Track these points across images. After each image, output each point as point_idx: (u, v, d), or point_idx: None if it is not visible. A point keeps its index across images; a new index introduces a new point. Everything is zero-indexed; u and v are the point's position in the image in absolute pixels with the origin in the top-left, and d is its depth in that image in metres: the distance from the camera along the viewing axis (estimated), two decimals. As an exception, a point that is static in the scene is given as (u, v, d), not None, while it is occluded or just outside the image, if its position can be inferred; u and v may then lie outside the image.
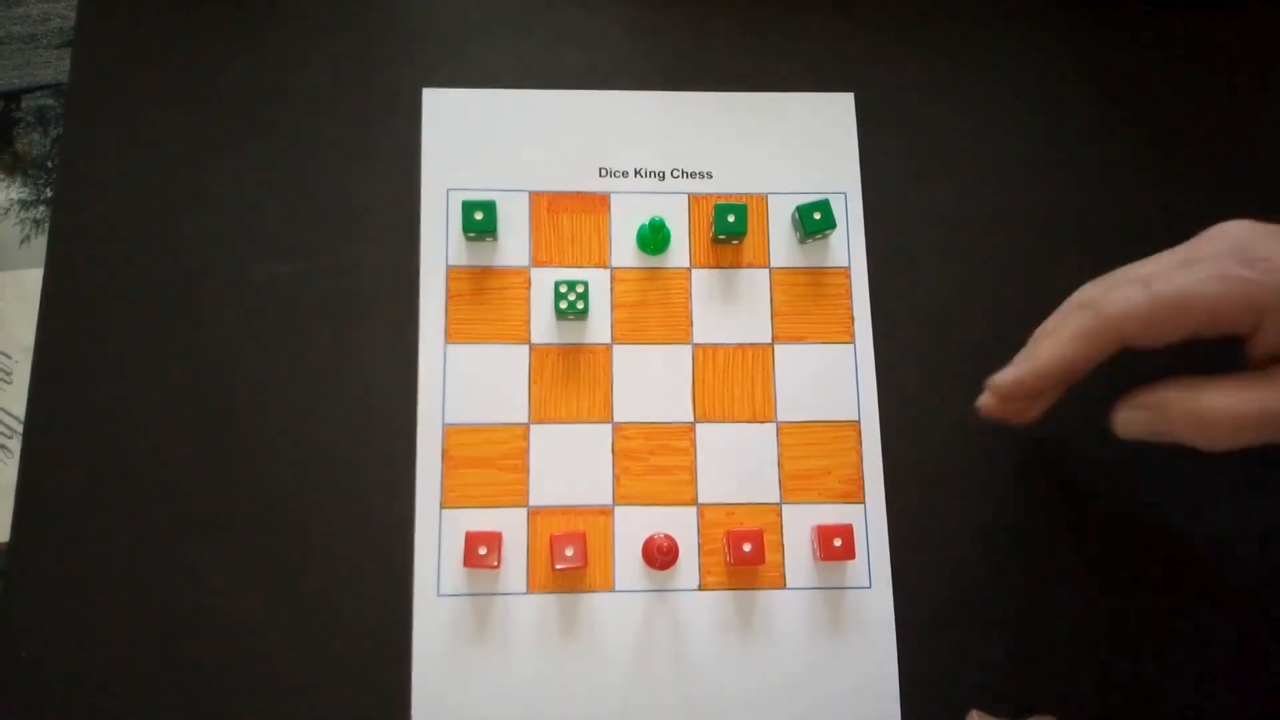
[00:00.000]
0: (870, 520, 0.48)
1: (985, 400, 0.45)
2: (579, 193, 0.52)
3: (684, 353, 0.50)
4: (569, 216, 0.51)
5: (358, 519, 0.47)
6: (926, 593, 0.48)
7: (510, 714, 0.45)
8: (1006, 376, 0.43)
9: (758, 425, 0.49)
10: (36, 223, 1.14)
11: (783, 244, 0.52)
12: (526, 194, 0.51)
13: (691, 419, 0.49)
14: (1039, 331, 0.43)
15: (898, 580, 0.48)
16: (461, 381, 0.49)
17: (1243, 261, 0.38)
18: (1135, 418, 0.41)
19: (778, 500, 0.48)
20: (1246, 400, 0.37)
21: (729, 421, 0.49)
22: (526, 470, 0.48)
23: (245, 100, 0.52)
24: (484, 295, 0.50)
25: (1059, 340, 0.41)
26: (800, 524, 0.48)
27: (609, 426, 0.49)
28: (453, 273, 0.50)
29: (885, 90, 0.54)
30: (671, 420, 0.49)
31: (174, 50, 0.52)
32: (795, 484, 0.49)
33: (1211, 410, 0.38)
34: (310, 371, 0.49)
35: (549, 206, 0.51)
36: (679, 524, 0.48)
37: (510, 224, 0.51)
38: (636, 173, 0.52)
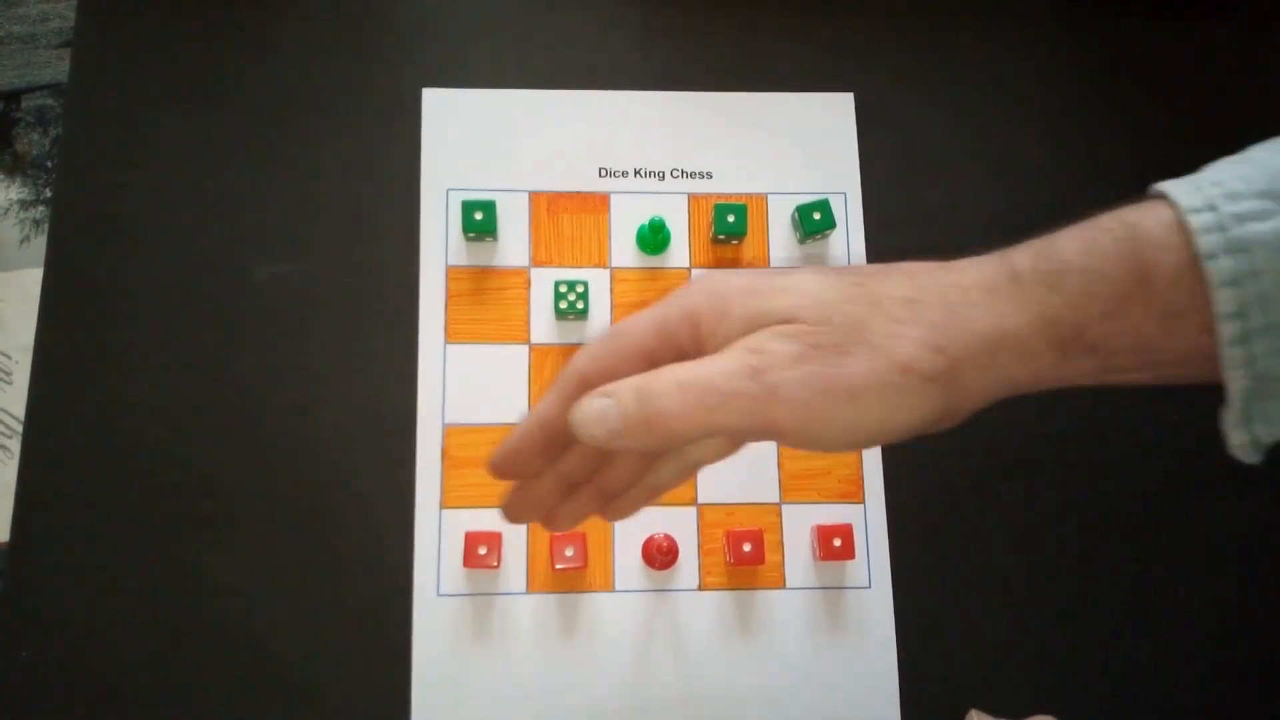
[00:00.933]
0: (870, 520, 0.48)
1: None
2: (579, 193, 0.52)
3: (684, 353, 0.50)
4: (569, 216, 0.51)
5: (358, 519, 0.47)
6: (926, 592, 0.48)
7: (510, 714, 0.45)
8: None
9: (757, 425, 0.49)
10: (36, 223, 1.14)
11: (782, 244, 0.52)
12: (526, 194, 0.51)
13: (691, 419, 0.49)
14: None
15: (897, 580, 0.48)
16: (461, 381, 0.49)
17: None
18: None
19: (777, 500, 0.48)
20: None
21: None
22: (526, 470, 0.48)
23: (245, 100, 0.52)
24: (484, 295, 0.50)
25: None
26: (800, 524, 0.48)
27: (609, 426, 0.49)
28: (452, 273, 0.50)
29: (885, 90, 0.54)
30: (671, 420, 0.49)
31: (173, 51, 0.52)
32: (795, 484, 0.49)
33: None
34: (310, 371, 0.49)
35: (549, 206, 0.51)
36: (679, 524, 0.48)
37: (510, 224, 0.51)
38: (636, 173, 0.52)
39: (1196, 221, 0.27)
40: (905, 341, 0.29)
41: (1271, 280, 0.26)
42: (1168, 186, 0.29)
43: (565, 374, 0.35)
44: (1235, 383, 0.27)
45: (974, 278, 0.30)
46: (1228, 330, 0.27)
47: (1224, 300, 0.26)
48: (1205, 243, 0.26)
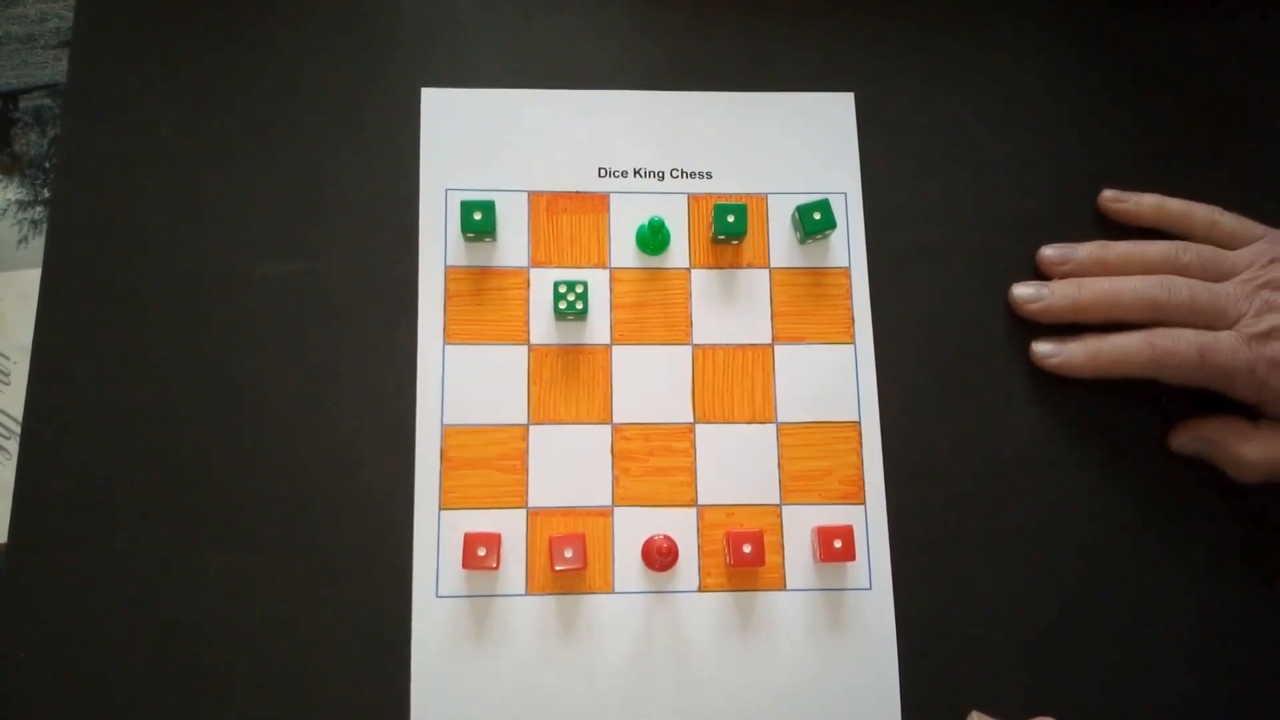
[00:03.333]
0: (871, 521, 0.48)
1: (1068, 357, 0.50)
2: (578, 193, 0.52)
3: (684, 353, 0.50)
4: (568, 216, 0.51)
5: (356, 520, 0.47)
6: (927, 594, 0.48)
7: (509, 715, 0.45)
8: (1074, 356, 0.50)
9: (758, 426, 0.49)
10: (34, 223, 1.13)
11: (783, 244, 0.51)
12: (525, 194, 0.51)
13: (691, 420, 0.49)
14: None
15: (898, 581, 0.48)
16: (460, 382, 0.49)
17: (1275, 363, 0.46)
18: (1188, 445, 0.49)
19: (778, 501, 0.48)
20: (1273, 456, 0.47)
21: (729, 422, 0.49)
22: (526, 471, 0.48)
23: (243, 100, 0.52)
24: (483, 296, 0.50)
25: (1125, 352, 0.49)
26: (800, 525, 0.48)
27: (608, 427, 0.49)
28: (451, 273, 0.50)
29: (885, 90, 0.54)
30: (671, 421, 0.49)
31: (172, 51, 0.52)
32: (795, 485, 0.49)
33: (1245, 460, 0.47)
34: (309, 372, 0.48)
35: (548, 206, 0.51)
36: (679, 525, 0.48)
37: (509, 224, 0.51)
38: (636, 173, 0.52)
39: None
40: None
41: None
42: None
43: (1148, 366, 0.49)
44: None
45: None
46: None
47: None
48: None
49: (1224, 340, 0.47)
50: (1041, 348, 0.50)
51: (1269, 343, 0.46)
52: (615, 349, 0.50)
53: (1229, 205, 0.52)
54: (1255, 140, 0.55)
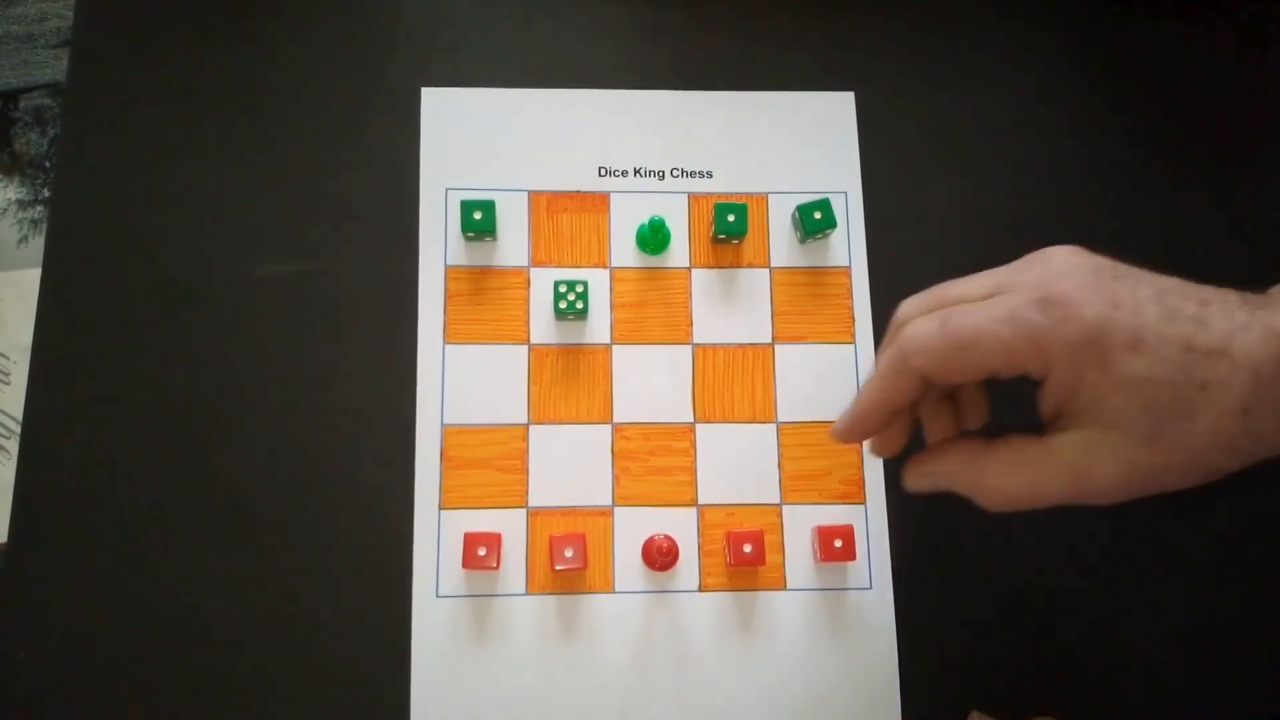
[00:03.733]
0: (871, 521, 0.48)
1: (840, 436, 0.42)
2: (578, 192, 0.52)
3: (684, 353, 0.50)
4: (568, 216, 0.51)
5: (356, 520, 0.47)
6: (927, 594, 0.48)
7: (509, 715, 0.45)
8: (837, 427, 0.41)
9: (758, 426, 0.49)
10: (34, 222, 1.14)
11: (783, 244, 0.51)
12: (525, 193, 0.51)
13: (691, 419, 0.49)
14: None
15: (898, 581, 0.48)
16: (460, 382, 0.49)
17: (1041, 303, 0.34)
18: (920, 483, 0.41)
19: (778, 501, 0.48)
20: (1017, 482, 0.37)
21: (729, 422, 0.49)
22: (526, 471, 0.48)
23: (244, 100, 0.52)
24: (483, 295, 0.50)
25: (873, 382, 0.39)
26: (801, 525, 0.48)
27: (609, 427, 0.49)
28: (451, 272, 0.50)
29: (885, 90, 0.54)
30: (671, 421, 0.49)
31: (172, 50, 0.52)
32: (796, 484, 0.49)
33: (986, 489, 0.38)
34: (309, 371, 0.48)
35: (548, 206, 0.51)
36: (679, 525, 0.48)
37: (509, 224, 0.51)
38: (636, 172, 0.52)
39: None
40: (1228, 455, 0.33)
41: None
42: None
43: (896, 364, 0.38)
44: None
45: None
46: None
47: None
48: None
49: (973, 307, 0.36)
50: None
51: (1034, 288, 0.35)
52: (615, 349, 0.50)
53: (1227, 204, 0.52)
54: (1253, 139, 0.55)
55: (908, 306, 0.40)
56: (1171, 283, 0.35)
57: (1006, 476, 0.37)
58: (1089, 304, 0.34)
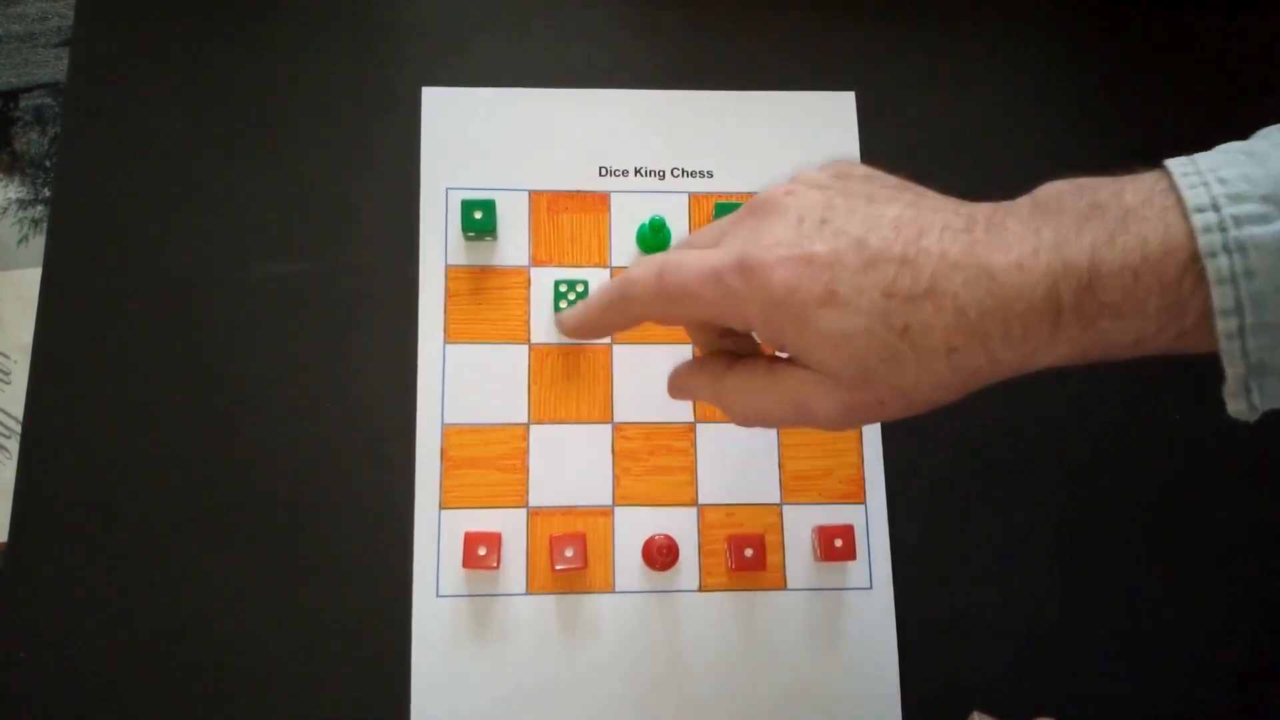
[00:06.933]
0: (871, 521, 0.48)
1: (558, 325, 0.43)
2: (579, 192, 0.52)
3: (684, 353, 0.50)
4: (569, 216, 0.51)
5: (356, 519, 0.47)
6: (927, 594, 0.48)
7: (509, 715, 0.45)
8: (561, 319, 0.42)
9: (758, 425, 0.49)
10: (35, 222, 1.14)
11: (783, 244, 0.51)
12: (526, 193, 0.51)
13: (691, 419, 0.49)
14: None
15: (899, 581, 0.48)
16: (460, 382, 0.49)
17: (736, 266, 0.34)
18: (677, 395, 0.42)
19: (778, 501, 0.48)
20: (747, 406, 0.38)
21: (730, 422, 0.49)
22: (526, 471, 0.48)
23: (244, 100, 0.52)
24: (483, 295, 0.50)
25: (595, 303, 0.40)
26: (801, 525, 0.48)
27: (609, 427, 0.49)
28: (452, 272, 0.50)
29: (886, 89, 0.54)
30: (671, 420, 0.49)
31: (173, 50, 0.52)
32: (796, 484, 0.49)
33: (726, 407, 0.39)
34: (309, 371, 0.48)
35: (549, 206, 0.51)
36: (679, 525, 0.48)
37: (510, 223, 0.51)
38: (636, 172, 0.52)
39: (1199, 221, 0.28)
40: (941, 390, 0.33)
41: (1264, 280, 0.28)
42: (1176, 174, 0.30)
43: (617, 300, 0.38)
44: (1231, 368, 0.29)
45: (1019, 303, 0.31)
46: (1223, 324, 0.28)
47: (1220, 297, 0.28)
48: (1205, 241, 0.28)
49: (688, 259, 0.36)
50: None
51: (739, 245, 0.35)
52: (616, 348, 0.50)
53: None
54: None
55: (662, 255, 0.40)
56: (892, 212, 0.34)
57: (739, 399, 0.38)
58: (779, 266, 0.33)
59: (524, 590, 0.47)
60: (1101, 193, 0.32)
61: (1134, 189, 0.31)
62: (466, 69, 0.53)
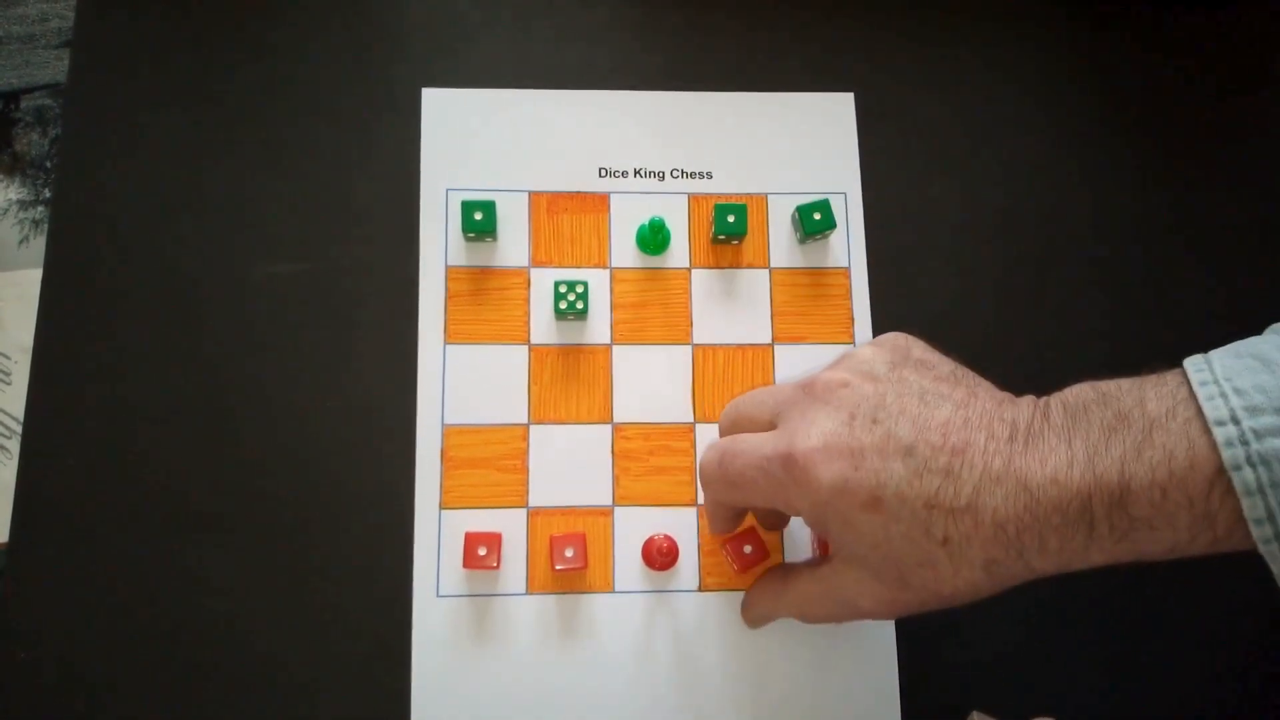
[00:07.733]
0: (870, 521, 0.48)
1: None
2: (579, 193, 0.52)
3: (684, 353, 0.50)
4: (569, 216, 0.51)
5: (357, 519, 0.47)
6: (927, 593, 0.48)
7: (509, 715, 0.45)
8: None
9: (758, 426, 0.49)
10: (35, 223, 1.14)
11: (783, 244, 0.51)
12: (526, 194, 0.51)
13: (691, 419, 0.49)
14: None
15: (898, 581, 0.48)
16: (461, 382, 0.49)
17: (784, 460, 0.35)
18: (755, 625, 0.46)
19: (778, 501, 0.48)
20: (810, 614, 0.41)
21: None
22: (526, 471, 0.48)
23: (244, 100, 0.52)
24: (483, 295, 0.50)
25: (708, 509, 0.44)
26: (800, 524, 0.48)
27: (609, 427, 0.49)
28: (452, 273, 0.50)
29: (885, 90, 0.54)
30: (671, 421, 0.49)
31: (173, 50, 0.52)
32: (795, 484, 0.48)
33: (796, 617, 0.42)
34: (309, 372, 0.48)
35: (548, 206, 0.51)
36: (679, 525, 0.48)
37: (510, 224, 0.51)
38: (636, 173, 0.52)
39: (1220, 435, 0.30)
40: (976, 592, 0.35)
41: None
42: (1194, 383, 0.32)
43: (707, 499, 0.43)
44: (1276, 565, 0.32)
45: (1055, 516, 0.32)
46: (1258, 531, 0.30)
47: (1250, 507, 0.30)
48: (1229, 455, 0.30)
49: (745, 446, 0.38)
50: None
51: (787, 437, 0.36)
52: (615, 349, 0.50)
53: (1225, 204, 0.52)
54: (1252, 138, 0.55)
55: (726, 410, 0.43)
56: (942, 415, 0.34)
57: (803, 610, 0.41)
58: (827, 464, 0.35)
59: (524, 590, 0.47)
60: (1125, 401, 0.33)
61: (1155, 397, 0.32)
62: (466, 70, 0.53)
